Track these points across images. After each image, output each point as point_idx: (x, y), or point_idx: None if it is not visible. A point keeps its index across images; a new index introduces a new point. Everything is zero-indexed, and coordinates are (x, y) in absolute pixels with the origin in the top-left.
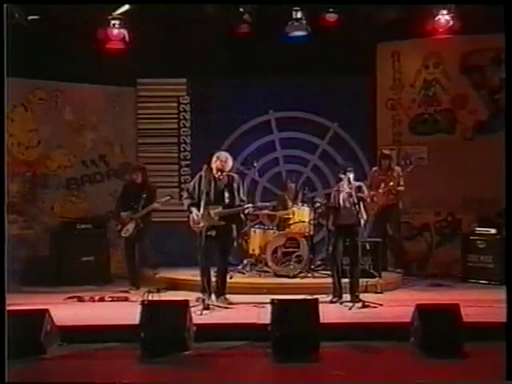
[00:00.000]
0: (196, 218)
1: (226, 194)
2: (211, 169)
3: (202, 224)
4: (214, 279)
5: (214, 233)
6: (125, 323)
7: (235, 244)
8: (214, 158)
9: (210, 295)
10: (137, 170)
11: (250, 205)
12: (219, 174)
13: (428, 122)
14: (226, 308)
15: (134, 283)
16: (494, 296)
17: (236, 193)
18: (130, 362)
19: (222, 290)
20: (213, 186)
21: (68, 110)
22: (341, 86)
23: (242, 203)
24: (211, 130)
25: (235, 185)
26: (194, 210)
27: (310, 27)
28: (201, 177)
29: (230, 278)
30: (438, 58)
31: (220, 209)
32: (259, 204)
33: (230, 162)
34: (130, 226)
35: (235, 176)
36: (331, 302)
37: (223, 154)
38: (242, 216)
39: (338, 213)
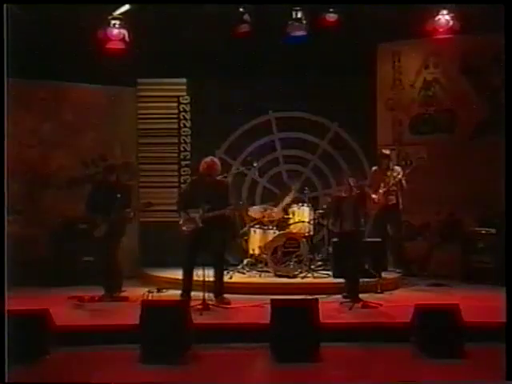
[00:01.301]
0: (182, 220)
1: (212, 198)
2: (201, 173)
3: (185, 227)
4: (212, 279)
5: (199, 235)
6: (125, 323)
7: (223, 246)
8: (202, 163)
9: (188, 294)
10: (111, 169)
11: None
12: (207, 178)
13: (428, 122)
14: (226, 308)
15: (109, 288)
16: (494, 296)
17: (221, 197)
18: (130, 362)
19: (219, 290)
20: (200, 190)
21: (68, 110)
22: (341, 86)
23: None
24: (211, 130)
25: (222, 189)
26: (181, 213)
27: (310, 27)
28: (192, 181)
29: (230, 278)
30: (438, 58)
31: (200, 212)
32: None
33: (216, 166)
34: (103, 228)
35: (224, 181)
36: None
37: (209, 158)
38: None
39: (340, 216)
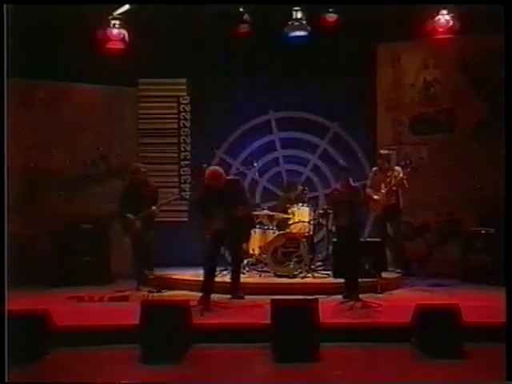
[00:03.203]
0: (205, 229)
1: (226, 201)
2: (206, 183)
3: (208, 234)
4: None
5: (220, 237)
6: (125, 323)
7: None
8: (205, 174)
9: (209, 295)
10: (139, 169)
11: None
12: (214, 183)
13: (428, 122)
14: (226, 308)
15: (142, 282)
16: (494, 296)
17: (235, 197)
18: (130, 362)
19: (236, 288)
20: (212, 196)
21: (68, 110)
22: (341, 86)
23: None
24: (211, 130)
25: (235, 189)
26: (200, 218)
27: (310, 27)
28: (201, 190)
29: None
30: (437, 58)
31: (221, 215)
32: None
33: (219, 173)
34: (136, 225)
35: (235, 180)
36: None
37: (210, 168)
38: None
39: (337, 213)
